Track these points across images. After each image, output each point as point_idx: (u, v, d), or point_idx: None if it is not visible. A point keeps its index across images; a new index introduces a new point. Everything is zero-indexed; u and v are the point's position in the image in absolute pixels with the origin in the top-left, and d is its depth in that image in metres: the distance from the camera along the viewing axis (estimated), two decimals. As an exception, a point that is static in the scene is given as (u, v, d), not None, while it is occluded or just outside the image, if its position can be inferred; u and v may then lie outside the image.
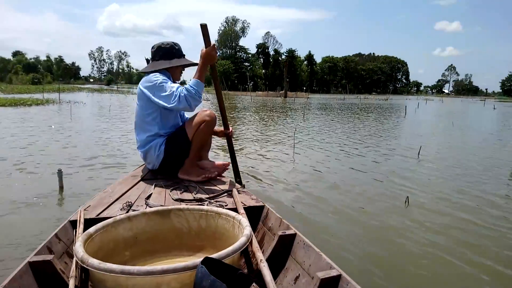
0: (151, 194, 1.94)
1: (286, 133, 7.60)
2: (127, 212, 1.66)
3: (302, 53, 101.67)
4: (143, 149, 2.34)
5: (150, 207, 1.71)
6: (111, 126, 7.99)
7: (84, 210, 1.67)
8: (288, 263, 1.39)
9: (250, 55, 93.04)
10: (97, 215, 1.62)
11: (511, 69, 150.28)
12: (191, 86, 2.12)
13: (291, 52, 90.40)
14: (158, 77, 2.19)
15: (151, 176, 2.36)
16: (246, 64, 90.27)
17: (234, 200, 1.85)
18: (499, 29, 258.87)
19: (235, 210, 1.71)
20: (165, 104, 2.13)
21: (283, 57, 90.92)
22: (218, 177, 2.34)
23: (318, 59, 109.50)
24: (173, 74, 2.37)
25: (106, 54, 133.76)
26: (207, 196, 1.93)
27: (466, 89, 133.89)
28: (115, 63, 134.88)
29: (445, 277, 1.87)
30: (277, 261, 1.41)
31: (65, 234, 1.48)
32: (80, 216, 1.56)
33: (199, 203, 1.81)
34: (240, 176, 2.58)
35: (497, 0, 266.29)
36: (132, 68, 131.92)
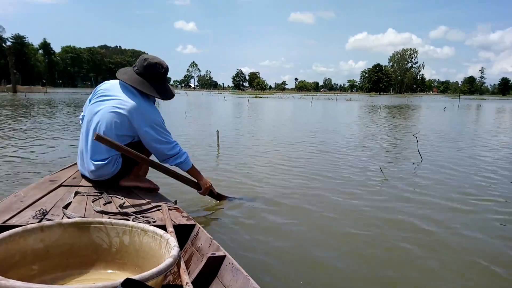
0: (70, 202, 1.78)
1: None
2: (40, 221, 1.50)
3: (35, 41, 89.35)
4: (103, 162, 2.09)
5: (68, 217, 1.56)
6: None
7: None
8: (214, 286, 1.37)
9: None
10: (4, 222, 1.44)
11: (238, 68, 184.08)
12: (185, 160, 2.26)
13: (19, 39, 77.85)
14: (159, 118, 2.16)
15: (72, 182, 2.17)
16: None
17: (163, 217, 1.77)
18: (227, 34, 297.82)
19: (163, 227, 1.64)
20: (162, 151, 2.18)
21: (8, 43, 74.47)
22: (148, 191, 2.24)
23: (57, 48, 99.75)
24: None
25: None
26: (134, 210, 1.83)
27: (208, 83, 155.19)
28: None
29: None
30: (203, 284, 1.38)
31: None
32: None
33: (124, 217, 1.70)
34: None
35: (222, 9, 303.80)
36: None
